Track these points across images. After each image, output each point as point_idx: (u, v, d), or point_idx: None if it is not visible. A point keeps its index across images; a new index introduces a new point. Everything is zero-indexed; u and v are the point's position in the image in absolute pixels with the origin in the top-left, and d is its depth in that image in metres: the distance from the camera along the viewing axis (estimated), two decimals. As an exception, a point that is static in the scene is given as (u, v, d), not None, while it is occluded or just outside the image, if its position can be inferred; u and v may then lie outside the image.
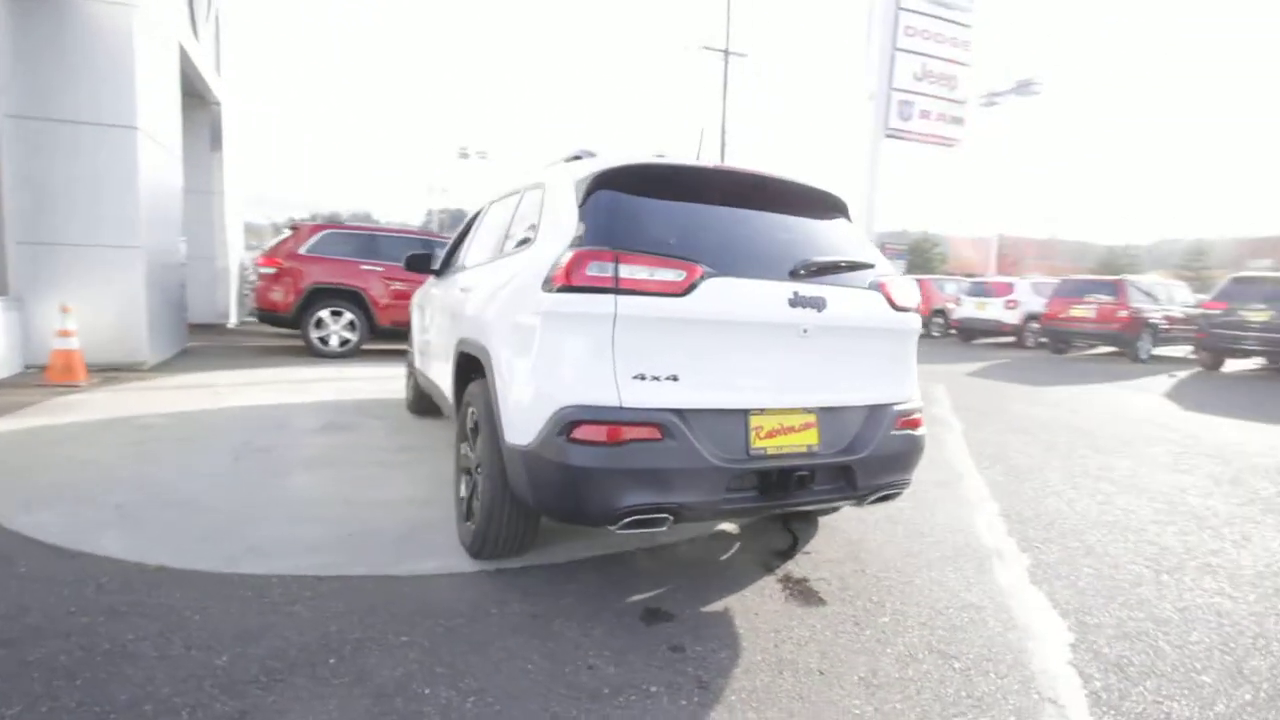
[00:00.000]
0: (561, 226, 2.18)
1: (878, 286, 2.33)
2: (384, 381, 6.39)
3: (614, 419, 1.90)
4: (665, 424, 1.92)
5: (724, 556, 2.71)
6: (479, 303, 2.57)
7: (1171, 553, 2.94)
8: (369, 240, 8.16)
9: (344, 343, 7.88)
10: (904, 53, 16.39)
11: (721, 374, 2.03)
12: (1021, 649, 2.09)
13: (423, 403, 4.83)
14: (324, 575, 2.34)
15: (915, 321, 2.43)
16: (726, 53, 26.33)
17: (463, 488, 2.70)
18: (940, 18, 16.58)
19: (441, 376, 3.27)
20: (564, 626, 2.09)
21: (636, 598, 2.33)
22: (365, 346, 8.13)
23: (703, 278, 1.98)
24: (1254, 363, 11.40)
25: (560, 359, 1.98)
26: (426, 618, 2.10)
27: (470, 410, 2.60)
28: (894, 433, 2.32)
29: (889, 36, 16.49)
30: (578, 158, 2.67)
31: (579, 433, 1.90)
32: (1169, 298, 13.00)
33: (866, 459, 2.22)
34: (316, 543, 2.60)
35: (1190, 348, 12.67)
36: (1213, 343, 10.63)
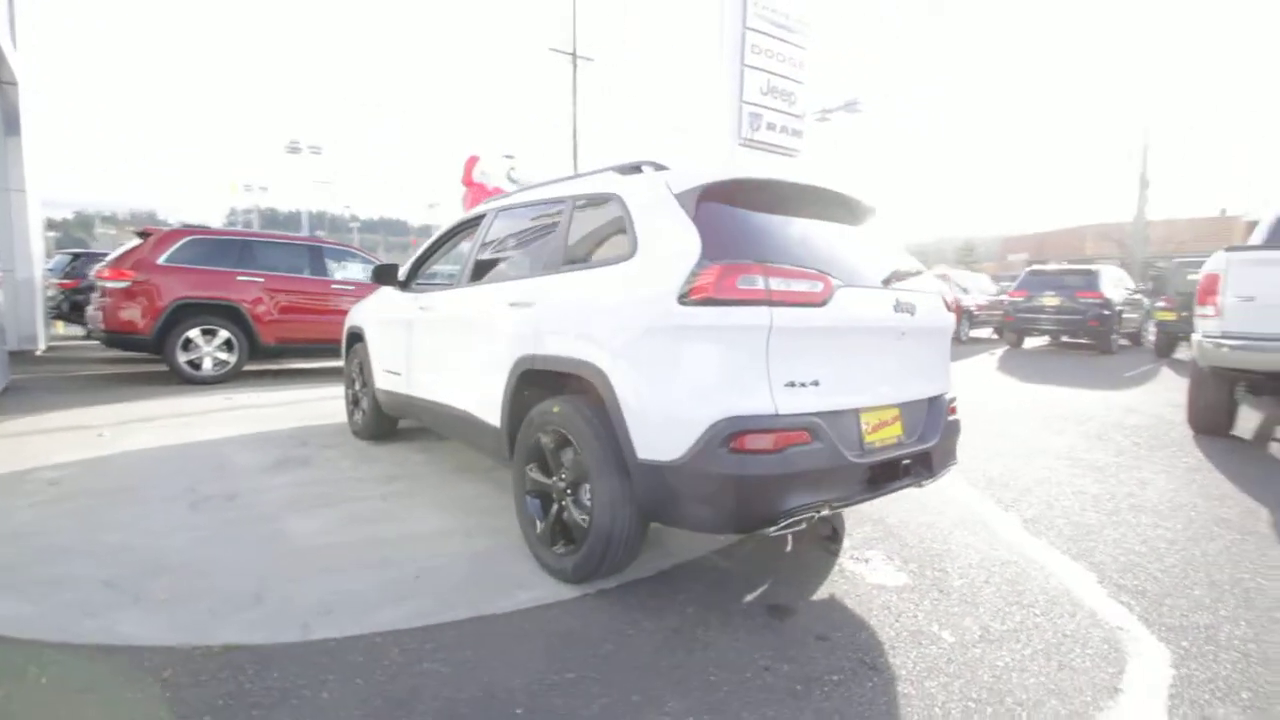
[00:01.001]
0: (672, 239, 2.19)
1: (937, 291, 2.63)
2: (298, 408, 5.70)
3: (773, 426, 1.98)
4: (813, 427, 2.04)
5: (788, 549, 2.88)
6: (565, 317, 2.46)
7: (1103, 499, 3.62)
8: (244, 247, 7.16)
9: (220, 365, 6.86)
10: (751, 69, 17.83)
11: (845, 377, 2.19)
12: (1067, 590, 2.50)
13: (381, 427, 4.43)
14: (427, 625, 2.14)
15: (954, 320, 2.78)
16: (574, 55, 26.54)
17: (536, 512, 2.58)
18: (780, 39, 18.27)
19: (472, 397, 3.06)
20: (709, 635, 2.13)
21: (749, 598, 2.42)
22: (247, 368, 7.15)
23: (835, 288, 2.12)
24: (1044, 340, 13.97)
25: (713, 371, 2.01)
26: (572, 649, 2.02)
27: (545, 431, 2.50)
28: (948, 419, 2.63)
29: (737, 54, 17.85)
30: (638, 169, 2.68)
31: (742, 442, 1.96)
32: (977, 288, 15.49)
33: (937, 445, 2.51)
34: (384, 592, 2.35)
35: (992, 329, 15.21)
36: (1017, 325, 12.87)
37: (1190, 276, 11.45)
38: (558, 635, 2.11)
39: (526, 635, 2.11)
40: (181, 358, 6.64)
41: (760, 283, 2.00)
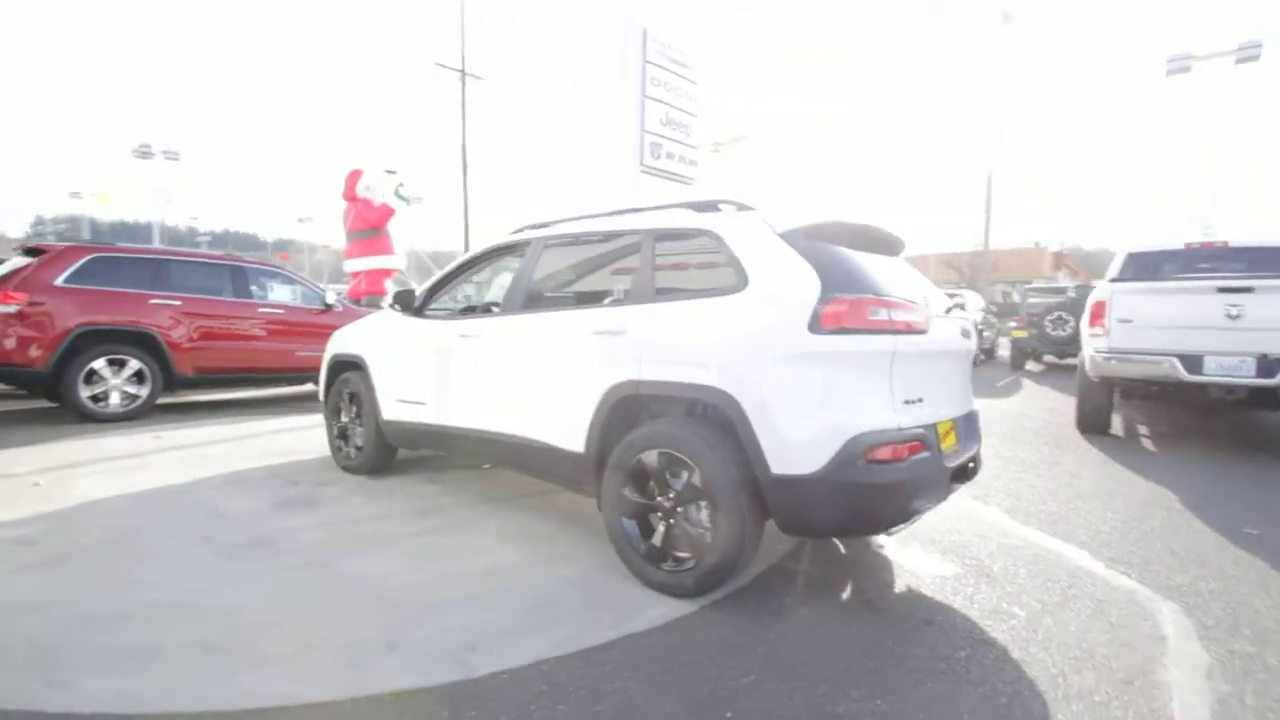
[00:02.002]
0: (788, 273, 2.44)
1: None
2: (249, 444, 5.21)
3: (898, 439, 2.28)
4: (925, 438, 2.37)
5: (844, 552, 3.18)
6: (676, 345, 2.59)
7: (1053, 490, 4.31)
8: (158, 266, 6.39)
9: (128, 400, 6.05)
10: (652, 100, 18.74)
11: (933, 394, 2.55)
12: (1078, 565, 3.02)
13: (382, 460, 4.22)
14: (583, 650, 2.19)
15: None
16: (463, 73, 26.13)
17: (634, 533, 2.68)
18: (676, 74, 19.42)
19: (542, 424, 3.07)
20: (836, 631, 2.37)
21: (844, 595, 2.69)
22: (161, 401, 6.36)
23: (931, 318, 2.47)
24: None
25: (847, 391, 2.28)
26: (733, 656, 2.18)
27: (649, 454, 2.62)
28: (977, 430, 3.09)
29: (639, 85, 18.68)
30: (715, 207, 2.91)
31: (876, 454, 2.24)
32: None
33: (977, 453, 2.95)
34: (518, 624, 2.35)
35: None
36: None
37: (1033, 300, 13.55)
38: (711, 645, 2.24)
39: (683, 647, 2.22)
40: (83, 392, 5.79)
41: (885, 314, 2.31)
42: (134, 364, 6.06)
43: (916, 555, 3.12)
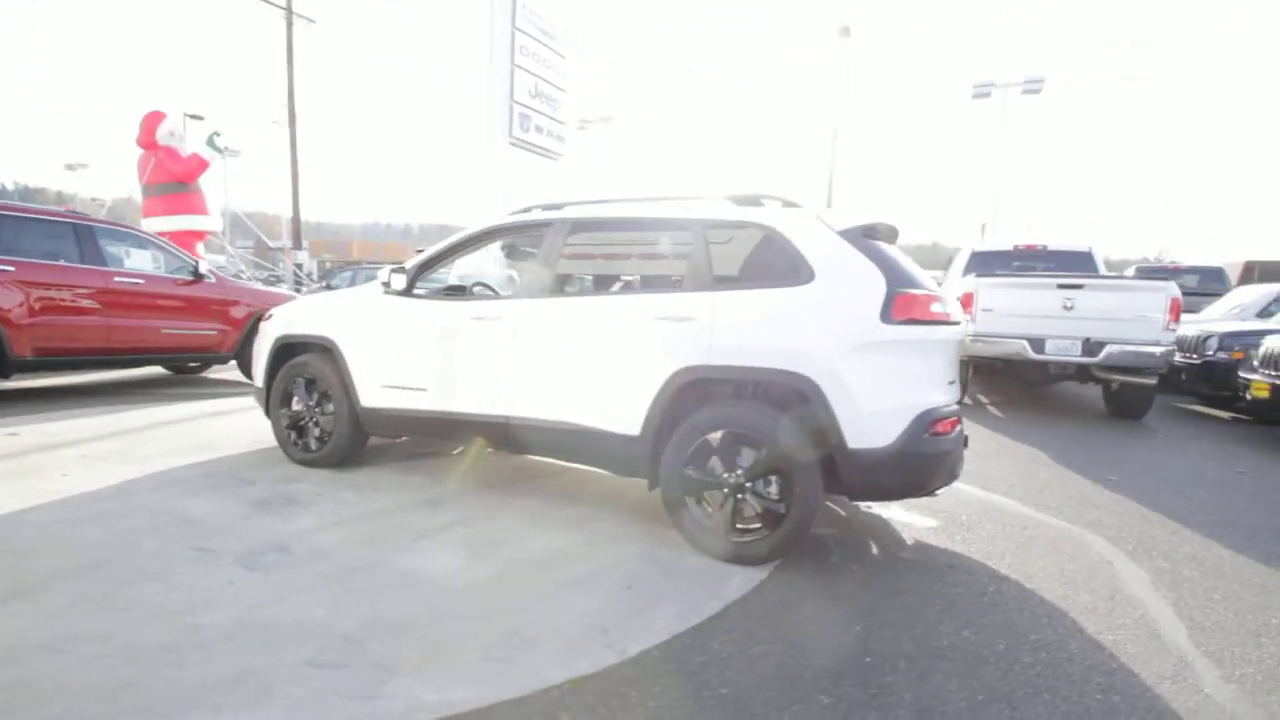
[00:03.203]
0: (854, 269, 2.73)
1: None
2: (140, 440, 4.44)
3: (950, 415, 2.69)
4: (960, 414, 2.80)
5: (844, 514, 3.60)
6: (749, 332, 2.75)
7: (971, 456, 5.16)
8: (-21, 223, 5.08)
9: (-60, 389, 4.81)
10: (521, 70, 17.99)
11: (956, 377, 2.99)
12: (1006, 507, 3.72)
13: (353, 450, 3.89)
14: (702, 622, 2.33)
15: None
16: (289, 11, 23.25)
17: (695, 509, 2.84)
18: (546, 45, 18.79)
19: (588, 409, 3.07)
20: (892, 581, 2.75)
21: (874, 552, 3.09)
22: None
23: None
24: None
25: (915, 374, 2.64)
26: (834, 609, 2.45)
27: (715, 434, 2.79)
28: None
29: (508, 53, 17.78)
30: (758, 201, 3.10)
31: (938, 428, 2.63)
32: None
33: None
34: (626, 607, 2.43)
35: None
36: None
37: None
38: (805, 601, 2.50)
39: (786, 607, 2.45)
40: (-123, 381, 4.49)
41: (940, 307, 2.69)
42: (-50, 344, 4.82)
43: (898, 513, 3.63)
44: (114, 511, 3.04)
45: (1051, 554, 3.11)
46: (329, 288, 16.26)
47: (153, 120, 13.71)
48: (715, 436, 2.81)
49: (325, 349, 3.86)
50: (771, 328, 2.76)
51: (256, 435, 4.55)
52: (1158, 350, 6.04)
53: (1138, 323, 6.16)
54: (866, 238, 2.85)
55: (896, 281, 2.69)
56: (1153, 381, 6.35)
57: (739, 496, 2.81)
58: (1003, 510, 3.76)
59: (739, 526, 2.81)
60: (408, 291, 3.65)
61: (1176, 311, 6.16)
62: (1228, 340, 6.91)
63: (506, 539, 2.99)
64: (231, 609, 2.24)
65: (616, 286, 3.28)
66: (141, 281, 6.03)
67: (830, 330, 2.68)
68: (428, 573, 2.61)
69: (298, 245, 23.14)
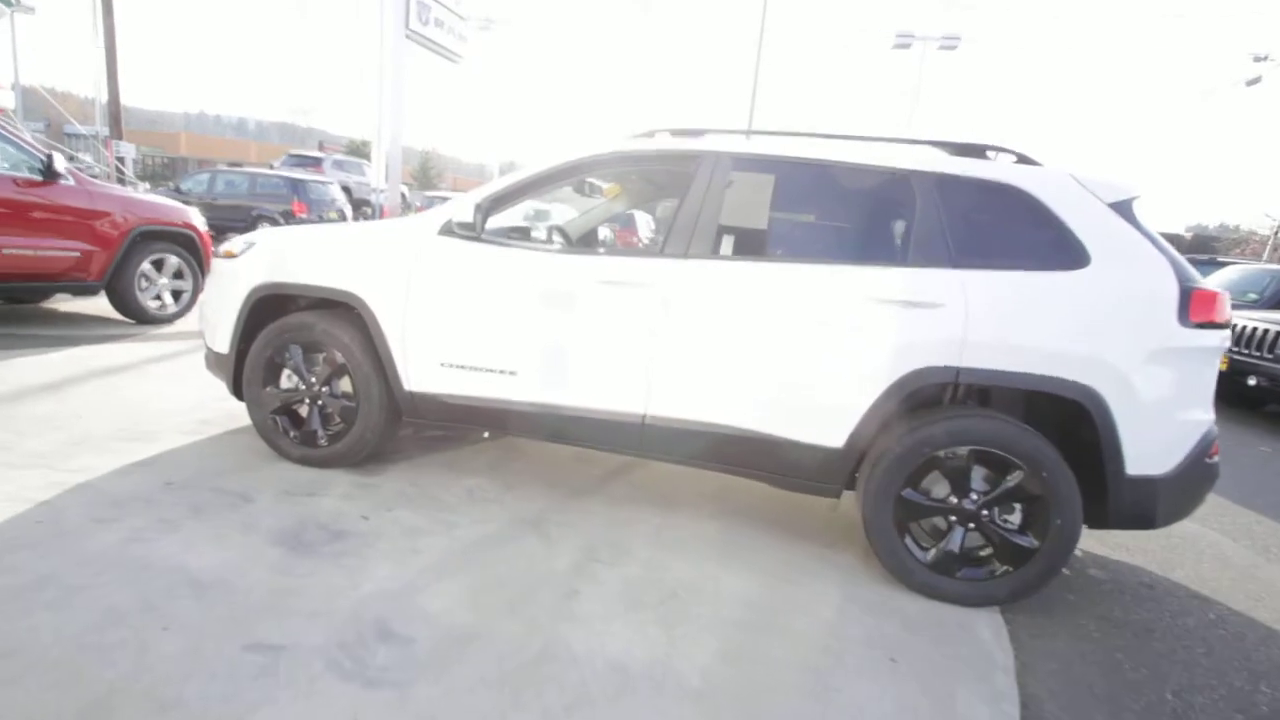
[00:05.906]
0: (1137, 254, 2.21)
1: None
2: (18, 422, 3.03)
3: (1215, 435, 2.30)
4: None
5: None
6: (1018, 328, 2.15)
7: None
8: None
9: None
10: (420, -49, 15.16)
11: None
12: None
13: (378, 446, 2.87)
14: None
15: None
16: None
17: (914, 542, 2.33)
18: (450, -79, 15.92)
19: (773, 412, 2.36)
20: (1114, 606, 2.42)
21: (1065, 571, 2.75)
22: None
23: None
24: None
25: (1202, 388, 2.22)
26: (1115, 636, 2.06)
27: (957, 452, 2.24)
28: None
29: (408, -75, 14.81)
30: (984, 154, 2.47)
31: (1214, 450, 2.25)
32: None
33: None
34: (919, 700, 1.84)
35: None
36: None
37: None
38: (1086, 664, 2.08)
39: (1060, 649, 2.01)
40: None
41: (1229, 308, 2.25)
42: None
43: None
44: (58, 574, 1.88)
45: (1199, 562, 2.97)
46: (179, 191, 13.04)
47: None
48: (951, 454, 2.25)
49: (345, 306, 2.72)
50: (1044, 323, 2.19)
51: (196, 407, 3.31)
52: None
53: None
54: (1133, 213, 2.33)
55: (1184, 274, 2.22)
56: None
57: (969, 526, 2.30)
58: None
59: (973, 562, 2.31)
60: (478, 234, 2.61)
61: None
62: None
63: (672, 584, 2.25)
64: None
65: (814, 251, 2.51)
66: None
67: (1121, 331, 2.16)
68: (631, 661, 1.83)
69: (117, 134, 18.45)
